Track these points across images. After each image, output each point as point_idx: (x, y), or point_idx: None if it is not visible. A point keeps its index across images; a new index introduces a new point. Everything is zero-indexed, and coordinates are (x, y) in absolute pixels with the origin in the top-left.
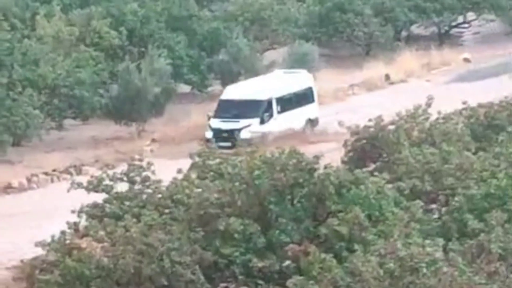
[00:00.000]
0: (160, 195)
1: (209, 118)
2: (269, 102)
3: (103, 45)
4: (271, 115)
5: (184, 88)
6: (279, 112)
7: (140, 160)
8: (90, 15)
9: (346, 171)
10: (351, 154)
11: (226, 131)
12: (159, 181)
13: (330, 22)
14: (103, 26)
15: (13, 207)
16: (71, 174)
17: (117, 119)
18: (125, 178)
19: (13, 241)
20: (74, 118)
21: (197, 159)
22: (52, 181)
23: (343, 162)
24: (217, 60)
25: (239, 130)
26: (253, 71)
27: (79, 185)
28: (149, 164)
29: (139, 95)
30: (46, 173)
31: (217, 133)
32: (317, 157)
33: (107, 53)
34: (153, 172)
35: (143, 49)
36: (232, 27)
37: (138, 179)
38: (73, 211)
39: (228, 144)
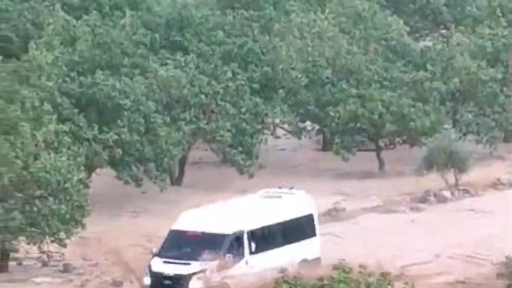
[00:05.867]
0: None
1: (153, 256)
2: (238, 238)
3: None
4: (240, 256)
5: None
6: (253, 252)
7: None
8: None
9: None
10: None
11: (170, 277)
12: None
13: None
14: None
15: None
16: None
17: None
18: None
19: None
20: None
21: None
22: None
23: None
24: None
25: (188, 277)
26: None
27: None
28: None
29: None
30: None
31: (157, 279)
32: None
33: None
34: None
35: None
36: None
37: None
38: None
39: None
